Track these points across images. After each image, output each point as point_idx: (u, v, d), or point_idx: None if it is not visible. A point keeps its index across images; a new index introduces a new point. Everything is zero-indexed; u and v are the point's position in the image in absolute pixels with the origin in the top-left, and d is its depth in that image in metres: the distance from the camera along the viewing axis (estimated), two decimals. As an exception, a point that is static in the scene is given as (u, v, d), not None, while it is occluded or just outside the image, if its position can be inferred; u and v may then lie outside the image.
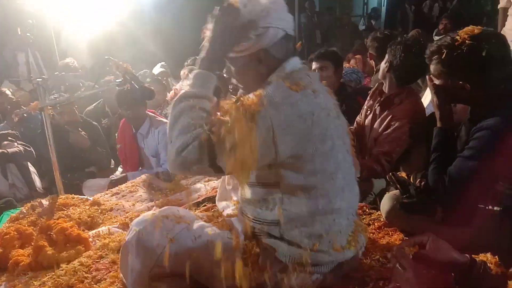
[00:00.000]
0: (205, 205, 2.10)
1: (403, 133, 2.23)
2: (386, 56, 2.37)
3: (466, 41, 1.52)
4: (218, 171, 1.19)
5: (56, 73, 4.77)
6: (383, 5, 13.56)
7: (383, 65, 2.41)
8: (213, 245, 1.35)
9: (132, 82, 2.06)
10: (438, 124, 1.71)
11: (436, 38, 5.64)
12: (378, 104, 2.43)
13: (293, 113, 1.19)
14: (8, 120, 3.74)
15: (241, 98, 1.21)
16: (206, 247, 1.37)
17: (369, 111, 2.53)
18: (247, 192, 1.37)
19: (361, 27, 10.14)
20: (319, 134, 1.24)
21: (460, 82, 1.57)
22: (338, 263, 1.39)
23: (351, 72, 4.27)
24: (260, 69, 1.33)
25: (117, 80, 2.11)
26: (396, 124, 2.25)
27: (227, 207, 1.76)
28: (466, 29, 1.57)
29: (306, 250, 1.31)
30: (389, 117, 2.30)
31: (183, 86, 1.31)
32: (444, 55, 1.56)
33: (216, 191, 1.94)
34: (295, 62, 1.34)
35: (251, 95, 1.21)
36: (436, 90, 1.67)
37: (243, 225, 1.44)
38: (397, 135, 2.24)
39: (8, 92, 3.89)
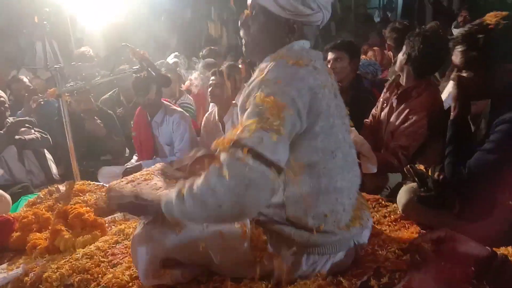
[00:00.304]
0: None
1: (420, 126, 2.20)
2: (404, 48, 2.33)
3: (501, 22, 1.48)
4: (277, 169, 1.13)
5: (72, 63, 4.80)
6: (399, -3, 13.35)
7: (400, 56, 2.37)
8: (222, 234, 1.37)
9: (149, 69, 2.06)
10: (452, 116, 1.68)
11: (455, 30, 5.52)
12: (395, 96, 2.39)
13: (304, 87, 1.20)
14: (26, 107, 3.78)
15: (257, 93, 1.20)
16: (215, 235, 1.38)
17: (385, 104, 2.49)
18: None
19: (376, 19, 9.98)
20: (325, 110, 1.25)
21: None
22: (348, 243, 1.39)
23: (368, 64, 4.22)
24: (283, 36, 1.32)
25: (133, 67, 2.12)
26: (414, 118, 2.22)
27: None
28: (489, 14, 1.54)
29: (312, 231, 1.31)
30: (406, 110, 2.27)
31: None
32: (480, 40, 1.51)
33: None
34: (303, 43, 1.35)
35: (259, 83, 1.21)
36: (459, 81, 1.63)
37: None
38: (414, 128, 2.21)
39: (25, 79, 3.94)
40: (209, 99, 3.38)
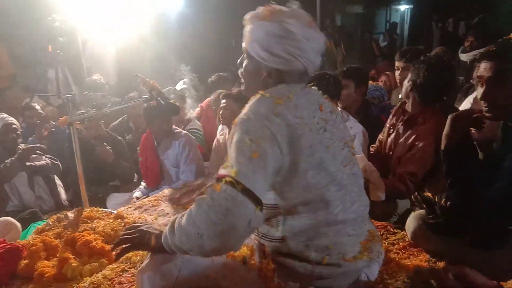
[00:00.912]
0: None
1: (427, 153, 2.18)
2: (409, 75, 2.35)
3: None
4: (256, 201, 1.16)
5: (84, 92, 4.92)
6: (406, 23, 13.57)
7: (406, 83, 2.38)
8: (229, 264, 1.38)
9: (158, 98, 2.11)
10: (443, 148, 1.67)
11: (462, 55, 5.55)
12: (401, 123, 2.40)
13: (282, 123, 1.22)
14: (37, 134, 3.85)
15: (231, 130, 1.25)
16: (224, 267, 1.38)
17: (391, 130, 2.50)
18: None
19: (382, 43, 10.11)
20: (306, 147, 1.25)
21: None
22: (355, 275, 1.37)
23: (374, 89, 4.25)
24: (266, 81, 1.37)
25: (143, 96, 2.17)
26: (421, 144, 2.21)
27: None
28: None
29: (316, 264, 1.30)
30: (413, 137, 2.26)
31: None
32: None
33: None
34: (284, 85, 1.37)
35: (238, 122, 1.24)
36: (454, 119, 1.64)
37: (257, 244, 1.45)
38: (421, 155, 2.20)
39: (37, 106, 4.03)
40: (220, 121, 3.43)
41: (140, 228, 1.37)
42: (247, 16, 1.37)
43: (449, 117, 1.67)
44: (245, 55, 1.41)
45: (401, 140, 2.34)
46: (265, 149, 1.18)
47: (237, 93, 3.22)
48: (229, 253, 1.44)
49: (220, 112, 3.25)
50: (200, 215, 1.16)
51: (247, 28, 1.38)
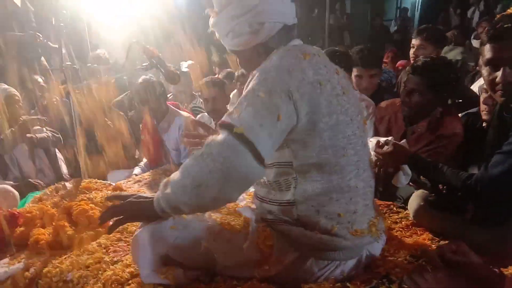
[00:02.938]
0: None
1: (447, 150, 2.11)
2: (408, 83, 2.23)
3: None
4: (257, 155, 1.13)
5: (88, 64, 4.85)
6: (417, 10, 13.31)
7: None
8: (224, 233, 1.35)
9: (158, 65, 2.05)
10: None
11: (474, 41, 5.43)
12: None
13: (304, 79, 1.18)
14: (39, 107, 3.82)
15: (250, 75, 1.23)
16: (218, 234, 1.36)
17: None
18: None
19: (393, 28, 9.95)
20: (326, 106, 1.21)
21: None
22: (359, 251, 1.34)
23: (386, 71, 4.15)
24: (261, 60, 1.32)
25: (143, 64, 2.11)
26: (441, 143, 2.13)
27: (242, 200, 1.75)
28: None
29: (323, 233, 1.27)
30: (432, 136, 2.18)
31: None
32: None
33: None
34: (297, 41, 1.35)
35: (257, 72, 1.22)
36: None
37: (257, 211, 1.42)
38: (435, 152, 2.13)
39: (40, 79, 3.98)
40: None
41: (128, 200, 1.33)
42: (211, 25, 1.37)
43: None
44: (235, 56, 1.41)
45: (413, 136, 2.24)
46: (278, 105, 1.15)
47: (215, 79, 3.12)
48: (224, 223, 1.41)
49: (203, 105, 3.16)
50: (196, 165, 1.14)
51: (216, 33, 1.38)
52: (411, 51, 3.06)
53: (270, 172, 1.32)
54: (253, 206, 1.50)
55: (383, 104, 2.48)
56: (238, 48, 1.36)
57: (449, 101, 2.62)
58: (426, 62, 2.10)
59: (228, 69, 4.57)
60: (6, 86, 3.23)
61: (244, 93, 1.22)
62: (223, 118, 1.17)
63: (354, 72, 2.87)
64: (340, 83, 1.30)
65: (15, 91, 3.26)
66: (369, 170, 1.38)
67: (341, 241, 1.29)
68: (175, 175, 1.20)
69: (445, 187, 1.71)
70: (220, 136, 1.14)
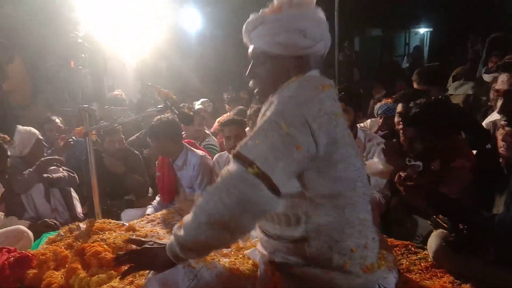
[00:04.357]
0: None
1: (463, 180, 2.08)
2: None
3: None
4: (272, 188, 1.12)
5: (105, 106, 4.99)
6: (426, 45, 13.53)
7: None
8: (233, 280, 1.32)
9: (172, 107, 2.10)
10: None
11: (485, 76, 5.43)
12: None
13: (321, 109, 1.18)
14: (56, 147, 3.90)
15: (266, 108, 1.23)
16: (229, 281, 1.32)
17: None
18: None
19: (405, 65, 10.08)
20: (341, 138, 1.22)
21: None
22: (373, 286, 1.29)
23: (392, 108, 4.17)
24: (291, 73, 1.31)
25: (158, 106, 2.16)
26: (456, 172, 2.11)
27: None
28: None
29: (336, 271, 1.24)
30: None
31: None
32: None
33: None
34: (316, 72, 1.35)
35: (275, 101, 1.21)
36: None
37: (264, 250, 1.39)
38: (458, 181, 2.10)
39: (57, 120, 4.09)
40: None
41: (144, 246, 1.31)
42: (254, 17, 1.34)
43: None
44: (259, 59, 1.36)
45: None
46: (296, 137, 1.14)
47: (237, 118, 3.15)
48: (234, 269, 1.37)
49: (225, 143, 3.20)
50: (211, 200, 1.13)
51: (259, 29, 1.34)
52: None
53: (281, 204, 1.29)
54: (259, 246, 1.46)
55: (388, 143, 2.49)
56: (279, 52, 1.30)
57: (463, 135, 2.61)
58: (416, 113, 2.10)
59: (240, 106, 4.64)
60: (34, 130, 3.33)
61: (259, 122, 1.21)
62: (237, 149, 1.16)
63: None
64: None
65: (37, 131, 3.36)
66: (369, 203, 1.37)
67: (354, 279, 1.25)
68: (188, 217, 1.19)
69: (465, 226, 1.66)
70: (234, 168, 1.13)
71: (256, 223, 1.21)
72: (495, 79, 3.37)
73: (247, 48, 1.41)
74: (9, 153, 2.93)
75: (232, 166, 1.14)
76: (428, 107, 2.15)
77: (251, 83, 1.43)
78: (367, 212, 1.31)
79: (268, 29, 1.31)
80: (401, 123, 2.35)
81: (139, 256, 1.29)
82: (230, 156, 1.19)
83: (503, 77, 1.49)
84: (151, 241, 1.34)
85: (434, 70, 3.24)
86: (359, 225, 1.27)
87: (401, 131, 2.32)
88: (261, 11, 1.33)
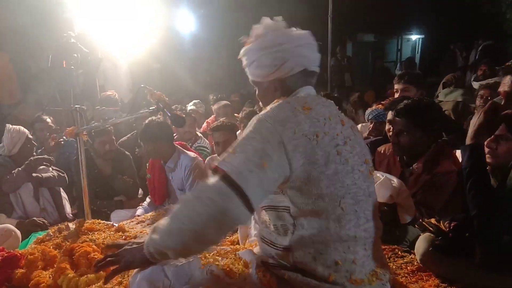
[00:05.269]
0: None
1: (447, 188, 2.12)
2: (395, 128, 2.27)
3: None
4: (247, 205, 1.15)
5: (97, 107, 4.97)
6: (417, 52, 13.70)
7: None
8: (223, 279, 1.33)
9: (165, 109, 2.11)
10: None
11: (475, 83, 5.52)
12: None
13: (298, 131, 1.22)
14: (46, 146, 3.87)
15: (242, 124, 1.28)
16: (216, 280, 1.34)
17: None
18: (263, 216, 1.38)
19: (397, 72, 10.20)
20: (322, 157, 1.23)
21: None
22: None
23: (383, 113, 4.21)
24: (276, 95, 1.39)
25: (150, 108, 2.17)
26: (442, 181, 2.15)
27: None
28: None
29: (321, 281, 1.25)
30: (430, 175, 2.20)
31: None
32: None
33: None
34: (308, 90, 1.40)
35: (255, 120, 1.26)
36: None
37: (260, 253, 1.41)
38: (441, 190, 2.13)
39: (48, 120, 4.06)
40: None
41: (124, 248, 1.33)
42: (241, 53, 1.44)
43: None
44: (254, 87, 1.47)
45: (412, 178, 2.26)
46: (270, 155, 1.18)
47: (225, 124, 3.15)
48: (226, 269, 1.39)
49: (214, 148, 3.22)
50: (185, 208, 1.18)
51: (243, 61, 1.44)
52: (396, 95, 3.16)
53: (271, 215, 1.34)
54: (256, 248, 1.49)
55: (380, 148, 2.52)
56: (258, 79, 1.42)
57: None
58: (407, 104, 2.16)
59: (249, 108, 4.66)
60: (23, 128, 3.30)
61: (239, 139, 1.26)
62: (216, 163, 1.21)
63: None
64: (342, 133, 1.31)
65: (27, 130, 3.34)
66: (372, 220, 1.35)
67: None
68: (164, 221, 1.22)
69: (452, 228, 1.69)
70: (212, 180, 1.17)
71: (224, 237, 1.25)
72: (481, 87, 3.45)
73: (240, 50, 1.46)
74: None
75: (209, 178, 1.19)
76: (419, 101, 2.23)
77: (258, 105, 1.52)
78: (362, 229, 1.30)
79: (246, 60, 1.42)
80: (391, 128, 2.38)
81: (120, 258, 1.31)
82: (210, 172, 1.22)
83: (506, 80, 1.52)
84: (129, 242, 1.36)
85: (415, 72, 3.36)
86: (347, 241, 1.27)
87: (390, 133, 2.35)
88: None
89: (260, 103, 1.51)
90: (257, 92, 1.49)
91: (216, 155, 3.39)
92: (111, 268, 1.33)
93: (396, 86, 3.15)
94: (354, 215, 1.29)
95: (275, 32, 1.37)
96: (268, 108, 1.31)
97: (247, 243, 1.69)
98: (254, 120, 1.27)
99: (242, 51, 1.43)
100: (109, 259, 1.32)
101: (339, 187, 1.26)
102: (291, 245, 1.28)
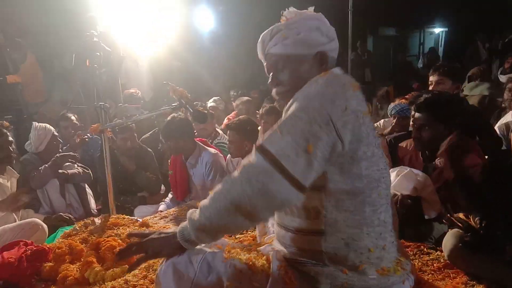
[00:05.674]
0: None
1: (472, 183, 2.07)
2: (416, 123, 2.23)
3: None
4: (297, 186, 1.14)
5: (119, 104, 5.05)
6: (440, 46, 13.37)
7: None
8: (246, 273, 1.31)
9: (187, 106, 2.12)
10: None
11: (502, 77, 5.36)
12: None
13: (347, 108, 1.18)
14: (71, 143, 3.97)
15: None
16: (240, 273, 1.31)
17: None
18: None
19: (420, 65, 10.01)
20: (366, 137, 1.21)
21: None
22: None
23: (406, 108, 4.13)
24: (312, 72, 1.33)
25: (172, 104, 2.18)
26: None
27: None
28: None
29: (349, 271, 1.23)
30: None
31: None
32: None
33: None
34: (340, 70, 1.37)
35: (299, 96, 1.23)
36: None
37: (279, 245, 1.39)
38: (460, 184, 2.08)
39: (73, 117, 4.15)
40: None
41: (150, 237, 1.31)
42: (269, 30, 1.40)
43: None
44: (278, 66, 1.39)
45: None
46: (318, 136, 1.15)
47: (238, 124, 3.15)
48: (249, 263, 1.38)
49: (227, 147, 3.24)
50: (233, 189, 1.15)
51: (277, 36, 1.37)
52: (430, 87, 3.06)
53: None
54: (275, 242, 1.47)
55: (403, 144, 2.47)
56: (304, 51, 1.35)
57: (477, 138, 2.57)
58: (427, 98, 2.12)
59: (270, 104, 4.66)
60: (49, 126, 3.39)
61: (284, 117, 1.23)
62: (262, 142, 1.18)
63: None
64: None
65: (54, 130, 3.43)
66: (391, 207, 1.35)
67: (368, 281, 1.24)
68: (206, 201, 1.21)
69: (483, 225, 1.65)
70: (257, 160, 1.15)
71: (273, 214, 1.24)
72: (510, 80, 3.33)
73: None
74: (10, 138, 2.93)
75: (254, 158, 1.16)
76: (440, 95, 2.18)
77: (273, 92, 1.44)
78: (389, 215, 1.30)
79: (287, 32, 1.35)
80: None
81: (147, 246, 1.30)
82: (253, 148, 1.19)
83: None
84: (156, 231, 1.34)
85: (453, 64, 3.23)
86: (379, 226, 1.26)
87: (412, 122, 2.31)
88: (273, 26, 1.40)
89: (277, 91, 1.43)
90: (284, 73, 1.38)
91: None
92: (135, 257, 1.33)
93: (430, 78, 3.04)
94: (385, 200, 1.29)
95: (318, 15, 1.39)
96: (314, 82, 1.27)
97: (265, 240, 1.69)
98: (300, 96, 1.23)
99: (283, 24, 1.38)
100: (135, 248, 1.31)
101: (375, 170, 1.25)
102: (325, 229, 1.25)
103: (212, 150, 3.39)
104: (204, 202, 1.22)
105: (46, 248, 2.07)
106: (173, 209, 2.87)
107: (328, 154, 1.17)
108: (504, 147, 2.89)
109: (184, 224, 1.25)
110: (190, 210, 1.26)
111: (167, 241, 1.28)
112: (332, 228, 1.25)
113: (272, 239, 1.55)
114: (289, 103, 1.27)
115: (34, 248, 2.03)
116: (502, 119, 3.56)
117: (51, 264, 1.96)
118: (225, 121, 4.70)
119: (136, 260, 1.33)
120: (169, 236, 1.28)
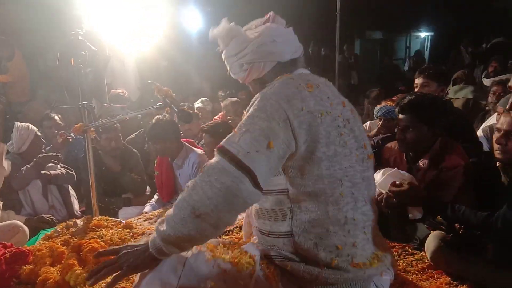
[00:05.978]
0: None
1: (456, 183, 2.08)
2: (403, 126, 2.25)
3: None
4: (253, 180, 1.14)
5: (104, 104, 4.99)
6: (426, 49, 13.57)
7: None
8: (230, 272, 1.30)
9: (172, 105, 2.10)
10: None
11: (486, 80, 5.45)
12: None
13: (303, 108, 1.21)
14: (55, 144, 3.90)
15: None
16: (224, 274, 1.31)
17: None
18: (259, 202, 1.34)
19: (406, 68, 10.13)
20: (324, 136, 1.23)
21: None
22: (363, 283, 1.29)
23: (391, 110, 4.16)
24: (263, 88, 1.35)
25: (157, 104, 2.16)
26: (448, 175, 2.11)
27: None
28: None
29: (323, 267, 1.24)
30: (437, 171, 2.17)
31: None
32: None
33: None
34: (302, 71, 1.40)
35: (258, 97, 1.25)
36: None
37: (260, 246, 1.39)
38: (450, 185, 2.10)
39: (56, 117, 4.09)
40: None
41: (122, 252, 1.25)
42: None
43: None
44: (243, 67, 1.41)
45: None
46: (276, 132, 1.17)
47: (212, 126, 3.14)
48: (234, 262, 1.37)
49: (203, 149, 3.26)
50: (194, 194, 1.14)
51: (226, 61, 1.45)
52: (415, 90, 3.09)
53: (266, 200, 1.32)
54: (256, 240, 1.47)
55: (388, 145, 2.49)
56: (241, 82, 1.45)
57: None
58: (411, 100, 2.14)
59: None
60: (32, 125, 3.32)
61: (243, 118, 1.24)
62: (221, 143, 1.19)
63: None
64: (342, 115, 1.31)
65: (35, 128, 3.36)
66: (370, 204, 1.36)
67: (343, 274, 1.26)
68: (171, 211, 1.19)
69: (462, 226, 1.66)
70: (217, 162, 1.15)
71: (237, 217, 1.22)
72: (494, 83, 3.38)
73: None
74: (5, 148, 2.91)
75: (215, 159, 1.17)
76: (423, 96, 2.20)
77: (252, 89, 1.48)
78: (359, 212, 1.30)
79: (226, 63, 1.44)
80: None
81: (121, 262, 1.23)
82: (215, 150, 1.20)
83: None
84: (127, 245, 1.29)
85: (438, 67, 3.25)
86: (347, 224, 1.27)
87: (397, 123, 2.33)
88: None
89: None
90: (252, 85, 1.48)
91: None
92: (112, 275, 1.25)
93: (416, 81, 3.04)
94: (352, 198, 1.29)
95: (235, 39, 1.38)
96: (271, 85, 1.29)
97: (252, 241, 1.68)
98: (257, 97, 1.25)
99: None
100: (108, 267, 1.24)
101: (337, 169, 1.26)
102: (292, 230, 1.28)
103: (199, 150, 3.37)
104: (169, 211, 1.20)
105: (26, 250, 2.02)
106: (158, 210, 2.84)
107: (283, 153, 1.19)
108: (486, 149, 2.93)
109: (154, 235, 1.21)
110: (158, 221, 1.24)
111: (141, 254, 1.23)
112: (299, 229, 1.27)
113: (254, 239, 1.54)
114: (248, 106, 1.28)
115: (14, 250, 1.98)
116: (486, 121, 3.61)
117: (30, 266, 1.92)
118: (219, 115, 4.68)
119: (113, 278, 1.24)
120: (142, 249, 1.24)
